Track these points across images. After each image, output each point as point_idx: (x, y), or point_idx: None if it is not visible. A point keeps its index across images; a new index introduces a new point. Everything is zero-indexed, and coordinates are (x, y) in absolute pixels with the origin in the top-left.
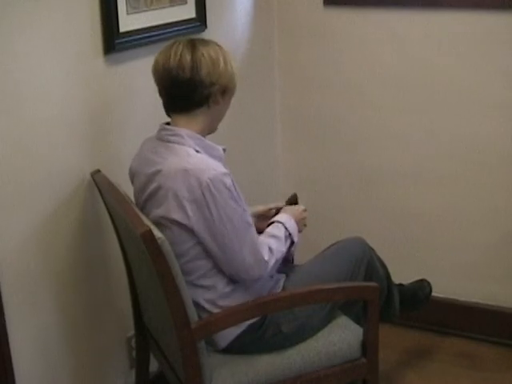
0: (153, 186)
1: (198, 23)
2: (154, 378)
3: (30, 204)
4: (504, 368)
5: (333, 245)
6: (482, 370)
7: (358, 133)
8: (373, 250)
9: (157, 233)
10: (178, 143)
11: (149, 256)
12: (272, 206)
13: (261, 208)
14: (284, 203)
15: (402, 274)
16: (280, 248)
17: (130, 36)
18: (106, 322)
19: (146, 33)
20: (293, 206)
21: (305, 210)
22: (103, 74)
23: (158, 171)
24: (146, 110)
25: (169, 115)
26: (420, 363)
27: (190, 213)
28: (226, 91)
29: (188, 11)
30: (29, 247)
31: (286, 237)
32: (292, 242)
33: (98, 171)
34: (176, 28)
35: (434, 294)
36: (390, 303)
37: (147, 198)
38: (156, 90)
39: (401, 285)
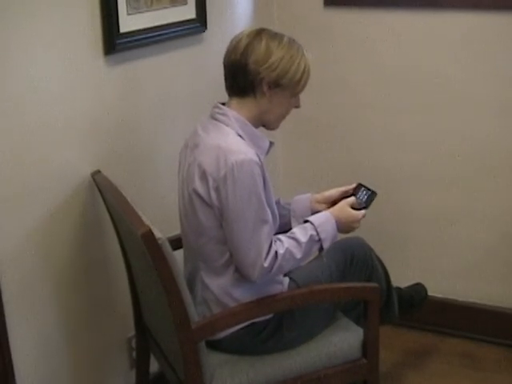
0: (190, 159)
1: (198, 24)
2: (155, 379)
3: (31, 204)
4: (504, 368)
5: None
6: (482, 370)
7: (358, 133)
8: (372, 250)
9: (157, 233)
10: (224, 123)
11: (149, 256)
12: (343, 189)
13: (334, 193)
14: (355, 184)
15: (402, 275)
16: (295, 255)
17: (131, 36)
18: (107, 322)
19: (147, 33)
20: (353, 201)
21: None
22: (104, 74)
23: (197, 145)
24: (147, 111)
25: (229, 96)
26: (420, 363)
27: (212, 190)
28: (276, 86)
29: (188, 12)
30: (29, 247)
31: (312, 241)
32: (321, 247)
33: (99, 172)
34: (176, 28)
35: (433, 294)
36: (389, 305)
37: (187, 169)
38: (157, 90)
39: (398, 288)
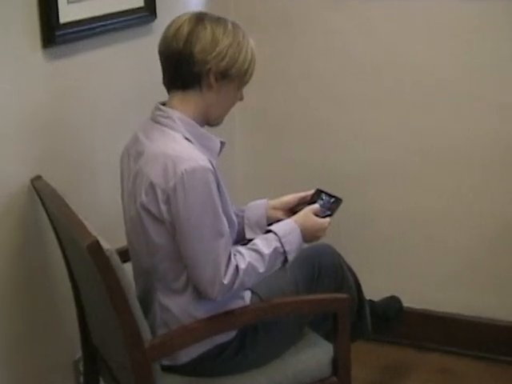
0: (135, 169)
1: (147, 13)
2: None
3: None
4: (486, 383)
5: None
6: None
7: (324, 130)
8: (342, 258)
9: (105, 244)
10: (168, 127)
11: (96, 269)
12: (301, 195)
13: (291, 199)
14: (313, 190)
15: (373, 285)
16: (258, 269)
17: (72, 28)
18: (51, 343)
19: (90, 24)
20: (317, 209)
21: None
22: (42, 69)
23: (141, 154)
24: (91, 108)
25: (168, 92)
26: (396, 381)
27: (161, 203)
28: (224, 77)
29: (136, 0)
30: None
31: (277, 254)
32: (285, 260)
33: (39, 177)
34: (123, 18)
35: (409, 305)
36: (361, 319)
37: (132, 181)
38: (102, 87)
39: (371, 301)
